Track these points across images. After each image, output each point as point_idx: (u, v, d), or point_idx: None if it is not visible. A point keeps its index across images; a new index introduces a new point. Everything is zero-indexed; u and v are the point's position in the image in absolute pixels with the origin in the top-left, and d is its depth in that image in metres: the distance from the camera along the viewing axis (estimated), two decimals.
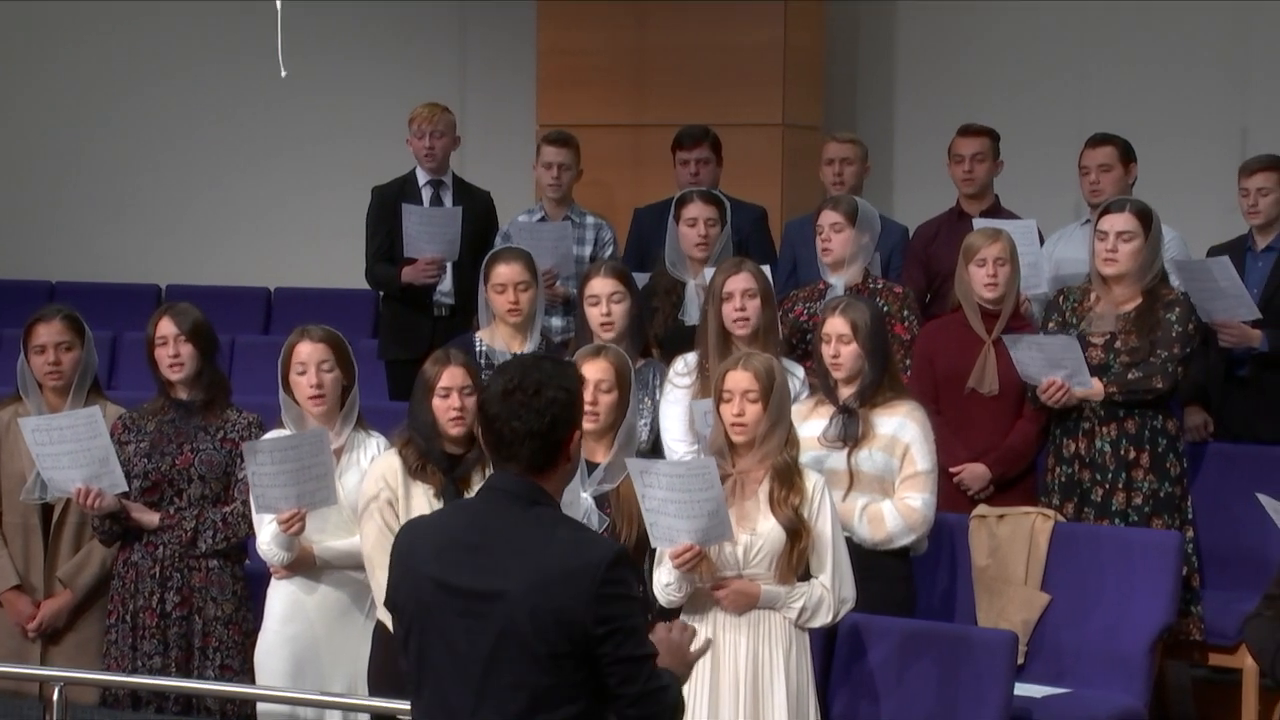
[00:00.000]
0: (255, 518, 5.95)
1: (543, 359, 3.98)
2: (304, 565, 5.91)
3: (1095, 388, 6.49)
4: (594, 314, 6.60)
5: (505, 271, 6.71)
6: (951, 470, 6.60)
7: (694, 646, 4.09)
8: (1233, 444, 7.28)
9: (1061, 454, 6.63)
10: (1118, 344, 6.57)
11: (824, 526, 5.33)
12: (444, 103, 8.53)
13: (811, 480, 5.38)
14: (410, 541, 3.93)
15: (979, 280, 6.65)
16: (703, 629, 5.29)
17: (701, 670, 5.28)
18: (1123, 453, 6.53)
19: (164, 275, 10.84)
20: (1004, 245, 6.67)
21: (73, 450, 6.04)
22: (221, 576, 6.18)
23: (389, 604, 3.95)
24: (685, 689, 5.21)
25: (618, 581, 3.75)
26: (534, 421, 3.80)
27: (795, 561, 5.31)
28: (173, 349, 6.22)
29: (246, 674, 6.08)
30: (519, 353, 6.61)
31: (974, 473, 6.67)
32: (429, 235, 8.01)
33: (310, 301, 10.04)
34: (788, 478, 5.33)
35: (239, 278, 10.71)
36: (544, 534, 3.78)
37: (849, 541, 5.55)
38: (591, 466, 5.59)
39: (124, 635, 6.15)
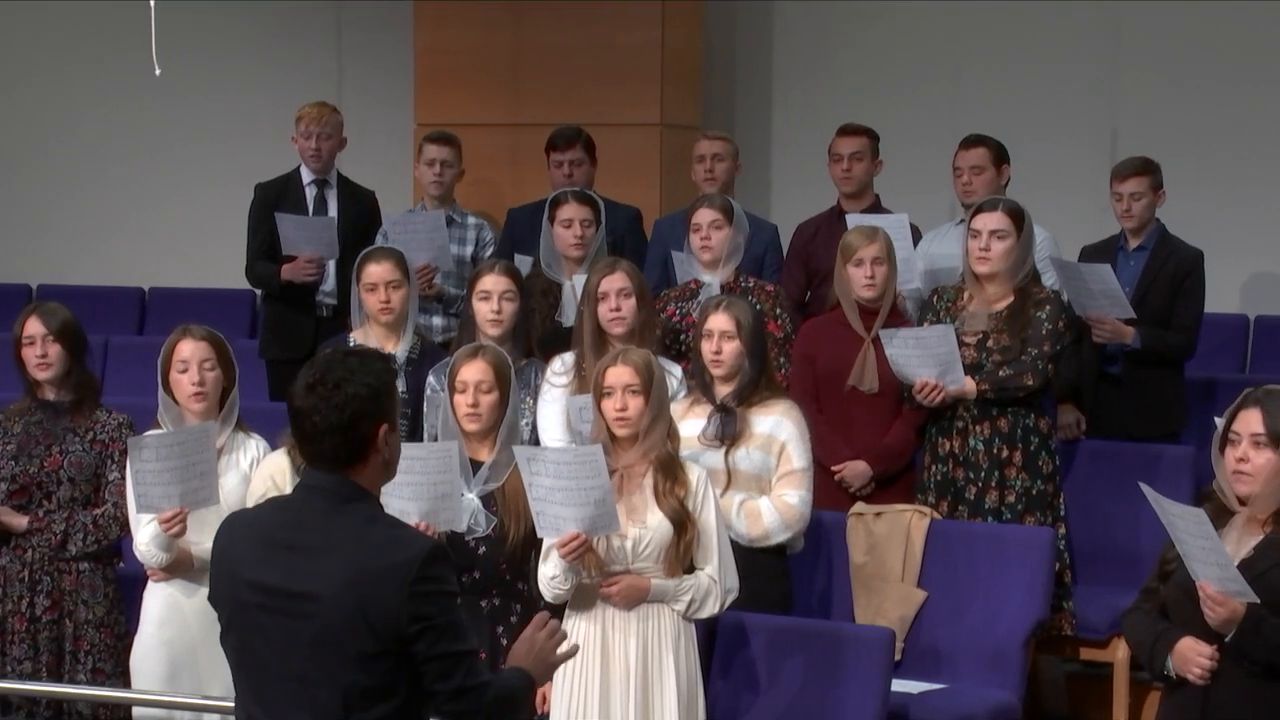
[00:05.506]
0: (133, 518, 5.88)
1: (351, 353, 3.91)
2: (182, 567, 5.85)
3: (968, 386, 6.55)
4: (483, 309, 6.59)
5: (376, 270, 6.69)
6: (833, 468, 6.64)
7: (561, 650, 4.06)
8: (1104, 441, 7.38)
9: (936, 452, 6.68)
10: (990, 342, 6.64)
11: (708, 518, 5.36)
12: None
13: (694, 473, 5.41)
14: (228, 538, 3.90)
15: (857, 280, 6.70)
16: (592, 625, 5.34)
17: (592, 665, 5.31)
18: (996, 451, 6.59)
19: (35, 275, 10.70)
20: (881, 245, 6.72)
21: None
22: (93, 579, 6.11)
23: (210, 601, 3.93)
24: (576, 684, 5.30)
25: (432, 579, 3.71)
26: (334, 417, 3.76)
27: (681, 554, 5.34)
28: (40, 348, 6.14)
29: (119, 678, 6.02)
30: (392, 352, 6.59)
31: (855, 470, 6.71)
32: (305, 239, 7.98)
33: (185, 301, 9.97)
34: (671, 470, 5.37)
35: (112, 277, 10.59)
36: (357, 532, 3.75)
37: None
38: (476, 466, 5.59)
39: None
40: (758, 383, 6.01)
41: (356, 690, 3.71)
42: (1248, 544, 4.63)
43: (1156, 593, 4.79)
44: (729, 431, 5.95)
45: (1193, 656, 4.59)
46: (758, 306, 6.76)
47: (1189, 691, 4.63)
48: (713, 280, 7.02)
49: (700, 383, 6.08)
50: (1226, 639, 4.56)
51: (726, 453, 5.94)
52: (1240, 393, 4.78)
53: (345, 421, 3.77)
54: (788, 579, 6.11)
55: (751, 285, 7.06)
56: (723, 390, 6.03)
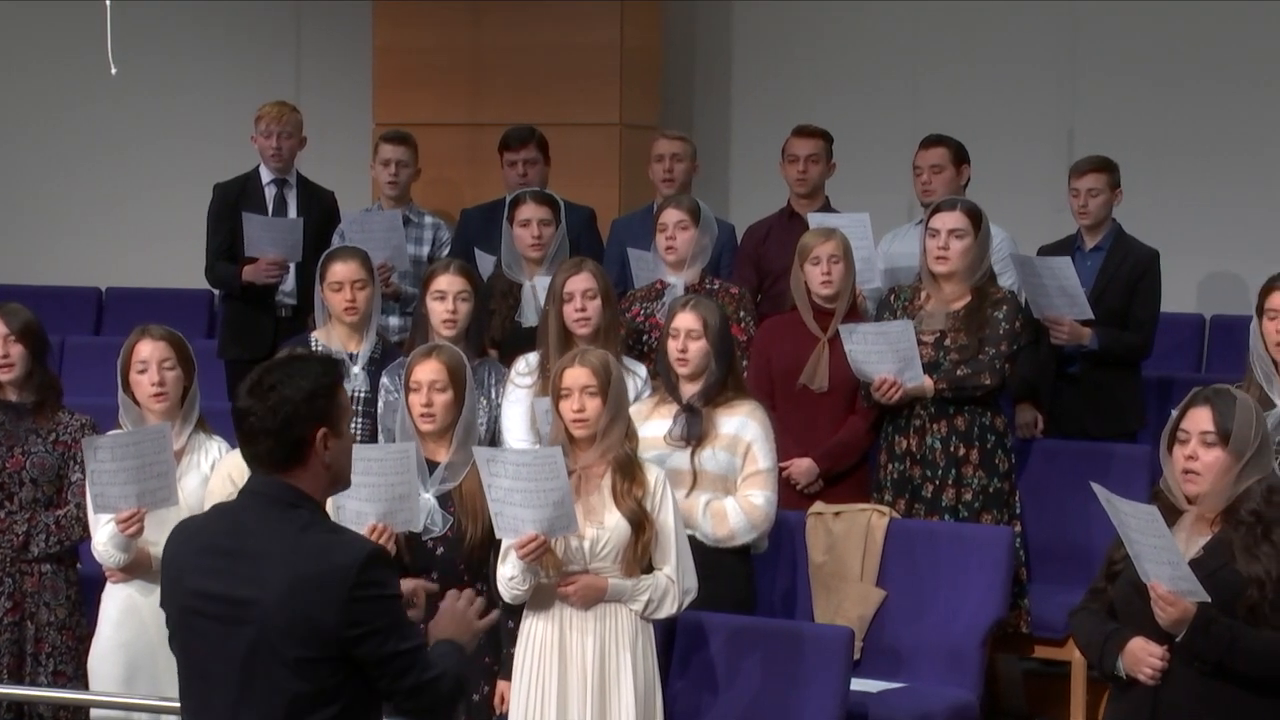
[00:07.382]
0: (91, 518, 5.87)
1: (295, 357, 3.93)
2: (140, 568, 5.84)
3: (926, 384, 6.58)
4: (438, 309, 6.58)
5: (342, 270, 6.68)
6: (781, 465, 6.66)
7: (481, 622, 4.09)
8: (1059, 440, 7.42)
9: (893, 451, 6.71)
10: (947, 341, 6.67)
11: (666, 518, 5.37)
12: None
13: (653, 473, 5.41)
14: (176, 545, 3.91)
15: (814, 278, 6.73)
16: (550, 625, 5.35)
17: (549, 665, 5.32)
18: (953, 449, 6.62)
19: None
20: (838, 243, 6.75)
21: None
22: (55, 581, 6.10)
23: (162, 605, 3.94)
24: (534, 683, 5.30)
25: (370, 584, 3.72)
26: (268, 419, 3.77)
27: (639, 554, 5.34)
28: (2, 349, 6.13)
29: (81, 680, 6.00)
30: (355, 352, 6.59)
31: (800, 468, 6.73)
32: (271, 240, 7.95)
33: (142, 301, 9.92)
34: (629, 470, 5.37)
35: (69, 277, 10.54)
36: (293, 538, 3.75)
37: (692, 539, 5.60)
38: (432, 466, 5.59)
39: None
40: (724, 383, 6.02)
41: (295, 697, 3.70)
42: (1196, 543, 4.62)
43: (1104, 592, 4.79)
44: (694, 432, 5.96)
45: (1144, 656, 4.59)
46: (722, 309, 6.78)
47: (1138, 692, 4.62)
48: (678, 281, 7.04)
49: (666, 383, 6.09)
50: (1177, 639, 4.57)
51: (692, 453, 5.95)
52: None
53: (278, 424, 3.77)
54: (751, 580, 6.11)
55: (717, 287, 7.08)
56: (688, 390, 6.04)
